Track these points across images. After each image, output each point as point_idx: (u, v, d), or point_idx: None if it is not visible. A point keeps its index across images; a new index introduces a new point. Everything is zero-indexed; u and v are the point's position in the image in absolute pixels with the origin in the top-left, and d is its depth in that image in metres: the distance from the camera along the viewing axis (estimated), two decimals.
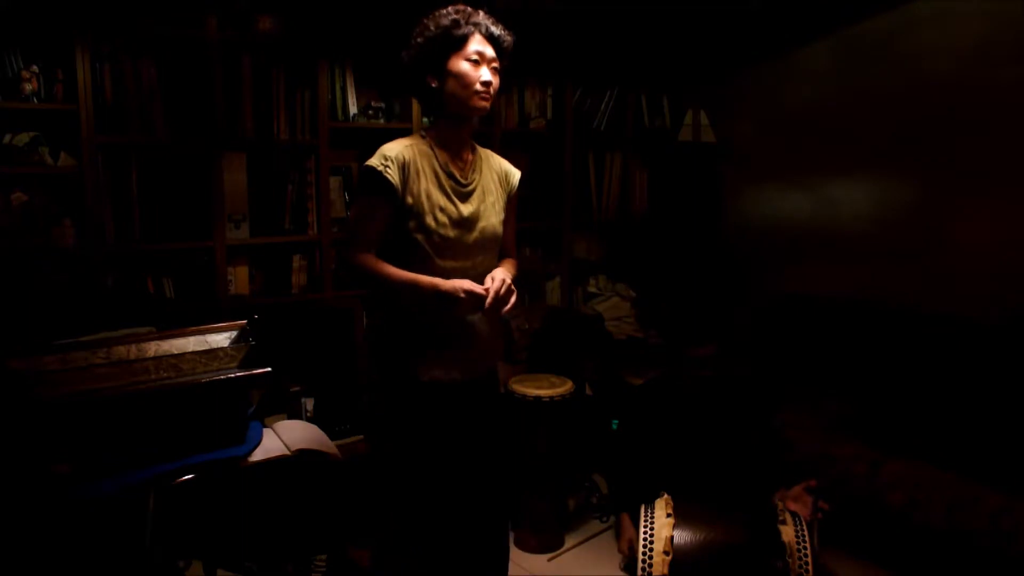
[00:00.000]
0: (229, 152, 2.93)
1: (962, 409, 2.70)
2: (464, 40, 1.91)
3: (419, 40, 1.94)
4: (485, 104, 1.93)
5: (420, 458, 2.02)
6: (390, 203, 1.90)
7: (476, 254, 2.00)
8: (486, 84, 1.91)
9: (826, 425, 2.95)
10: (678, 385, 2.85)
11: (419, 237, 1.91)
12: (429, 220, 1.91)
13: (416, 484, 2.04)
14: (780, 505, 2.23)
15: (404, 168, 1.90)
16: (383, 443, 2.07)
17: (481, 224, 2.00)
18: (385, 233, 1.93)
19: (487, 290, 1.86)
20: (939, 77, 2.97)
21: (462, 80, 1.90)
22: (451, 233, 1.94)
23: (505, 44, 1.98)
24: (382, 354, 2.02)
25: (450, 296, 1.85)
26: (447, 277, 1.91)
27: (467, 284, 1.86)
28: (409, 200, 1.90)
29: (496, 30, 1.96)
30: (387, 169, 1.88)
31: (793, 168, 3.61)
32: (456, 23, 1.91)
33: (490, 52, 1.94)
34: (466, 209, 1.97)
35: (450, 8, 1.95)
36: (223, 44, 2.85)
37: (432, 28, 1.92)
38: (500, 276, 1.90)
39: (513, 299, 1.90)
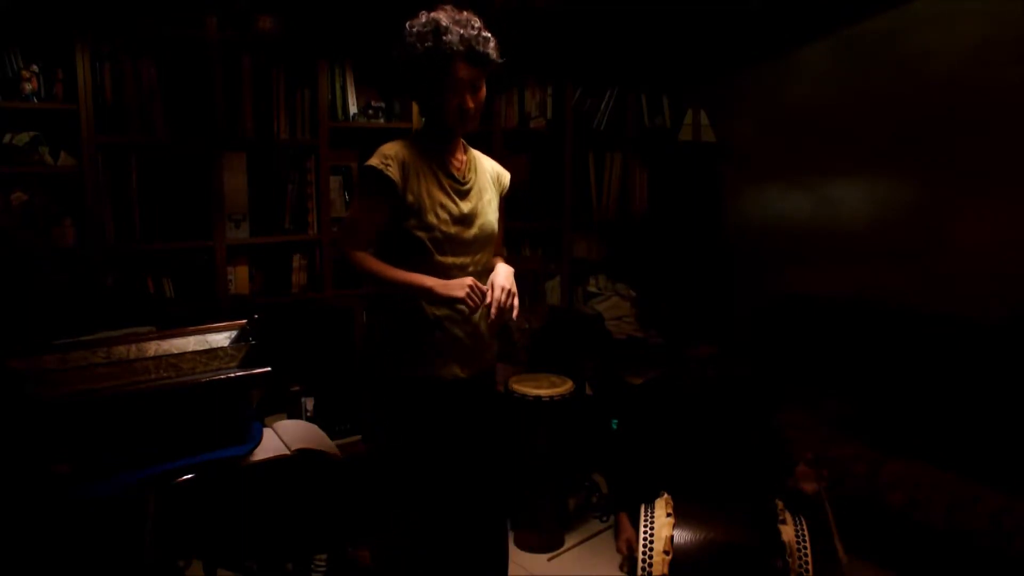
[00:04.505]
0: (229, 152, 2.93)
1: (962, 409, 2.70)
2: (443, 71, 1.84)
3: (400, 58, 1.90)
4: (469, 124, 1.94)
5: (420, 456, 2.02)
6: (390, 201, 1.90)
7: (475, 250, 2.01)
8: (465, 111, 1.90)
9: (826, 425, 2.95)
10: (678, 385, 2.85)
11: (420, 234, 1.92)
12: (431, 217, 1.92)
13: (416, 483, 2.04)
14: (780, 504, 2.23)
15: (404, 167, 1.91)
16: (383, 442, 2.06)
17: (480, 221, 2.01)
18: (382, 232, 1.95)
19: (488, 302, 1.87)
20: (939, 77, 2.97)
21: (442, 109, 1.90)
22: (452, 230, 1.95)
23: (491, 58, 1.90)
24: (382, 352, 2.03)
25: (450, 295, 1.85)
26: (447, 273, 1.93)
27: (470, 280, 1.87)
28: (410, 198, 1.91)
29: (479, 48, 1.86)
30: (388, 168, 1.89)
31: (793, 168, 3.60)
32: (431, 56, 1.83)
33: (472, 72, 1.87)
34: (465, 206, 1.99)
35: (430, 24, 1.84)
36: (223, 44, 2.85)
37: (408, 53, 1.86)
38: (500, 283, 1.89)
39: (516, 302, 1.90)
